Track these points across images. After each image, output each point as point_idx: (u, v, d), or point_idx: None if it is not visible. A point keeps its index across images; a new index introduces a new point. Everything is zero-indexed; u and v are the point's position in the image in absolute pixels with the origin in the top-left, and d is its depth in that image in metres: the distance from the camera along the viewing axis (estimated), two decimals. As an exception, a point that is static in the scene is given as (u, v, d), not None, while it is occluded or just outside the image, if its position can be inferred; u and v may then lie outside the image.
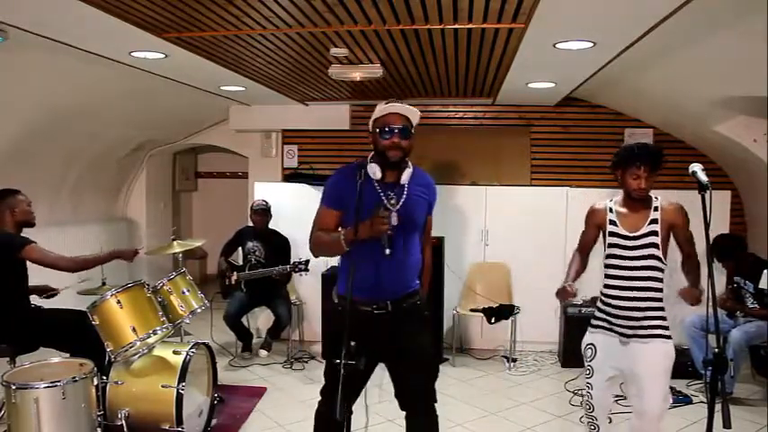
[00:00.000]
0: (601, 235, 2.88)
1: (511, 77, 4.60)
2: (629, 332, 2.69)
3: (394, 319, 2.47)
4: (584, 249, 2.97)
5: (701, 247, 2.69)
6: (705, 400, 2.32)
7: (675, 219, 2.71)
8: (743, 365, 4.41)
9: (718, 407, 2.13)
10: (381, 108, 2.42)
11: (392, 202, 2.42)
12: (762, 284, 4.30)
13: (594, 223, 2.88)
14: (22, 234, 3.59)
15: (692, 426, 3.80)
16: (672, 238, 2.76)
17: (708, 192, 2.31)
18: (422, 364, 2.55)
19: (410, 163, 2.50)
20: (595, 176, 5.75)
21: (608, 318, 2.76)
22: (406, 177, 2.44)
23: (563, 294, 2.89)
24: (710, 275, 2.22)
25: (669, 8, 2.77)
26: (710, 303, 2.19)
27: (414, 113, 2.44)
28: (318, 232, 2.50)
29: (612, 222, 2.78)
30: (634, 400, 2.76)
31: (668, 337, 2.69)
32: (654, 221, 2.69)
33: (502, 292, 5.42)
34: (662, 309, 2.71)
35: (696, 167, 2.44)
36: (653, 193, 2.75)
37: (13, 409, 2.77)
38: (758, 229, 5.42)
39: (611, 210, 2.80)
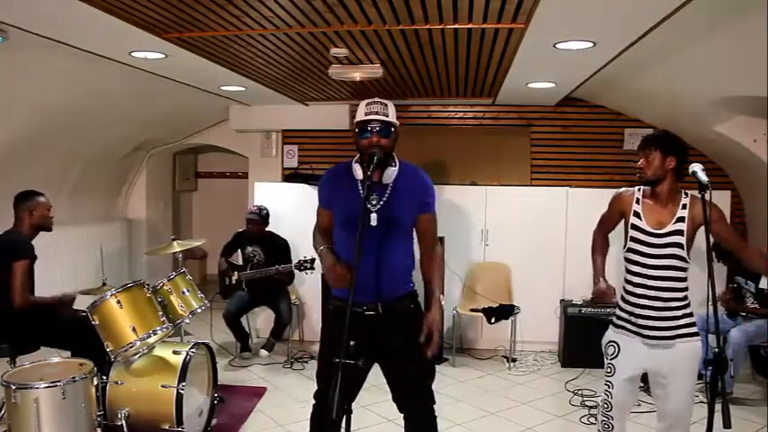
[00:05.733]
0: (622, 224, 2.74)
1: (511, 77, 4.60)
2: (654, 333, 2.57)
3: (385, 322, 2.45)
4: (604, 232, 2.87)
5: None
6: (705, 400, 2.31)
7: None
8: (743, 365, 4.41)
9: (718, 407, 2.13)
10: (361, 110, 2.43)
11: (373, 202, 2.41)
12: (762, 284, 4.31)
13: (618, 209, 2.73)
14: (35, 238, 3.63)
15: (692, 426, 3.79)
16: (697, 238, 2.59)
17: (708, 192, 2.31)
18: (415, 365, 2.49)
19: (397, 162, 2.47)
20: (595, 176, 5.76)
21: (631, 318, 2.63)
22: (388, 176, 2.41)
23: (602, 296, 2.79)
24: (710, 275, 2.22)
25: (669, 8, 2.77)
26: (710, 303, 2.19)
27: (393, 114, 2.45)
28: (316, 231, 2.64)
29: (637, 215, 2.63)
30: (659, 402, 2.66)
31: (695, 335, 2.57)
32: (680, 219, 2.55)
33: (502, 292, 5.42)
34: (686, 306, 2.58)
35: (696, 167, 2.43)
36: (684, 190, 2.61)
37: (13, 409, 2.77)
38: (758, 229, 5.42)
39: (637, 201, 2.65)
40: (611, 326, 2.77)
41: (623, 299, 2.69)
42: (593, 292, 2.82)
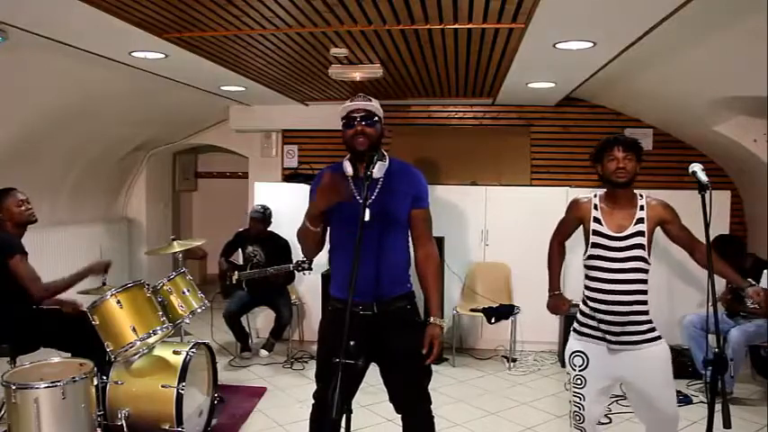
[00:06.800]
0: (581, 231, 2.73)
1: (511, 77, 4.60)
2: (620, 339, 2.54)
3: (381, 322, 2.45)
4: (561, 239, 2.87)
5: (701, 248, 2.64)
6: (705, 400, 2.32)
7: (663, 214, 2.57)
8: (743, 365, 4.41)
9: (718, 407, 2.13)
10: (345, 105, 2.44)
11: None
12: (762, 284, 4.30)
13: (576, 216, 2.73)
14: (23, 234, 3.59)
15: (692, 426, 3.80)
16: (658, 239, 2.62)
17: (708, 192, 2.30)
18: (411, 367, 2.48)
19: (386, 156, 2.47)
20: (595, 176, 5.72)
21: (594, 324, 2.59)
22: (379, 170, 2.38)
23: (556, 310, 2.83)
24: (710, 276, 2.22)
25: (669, 8, 2.77)
26: (711, 303, 2.19)
27: (377, 107, 2.45)
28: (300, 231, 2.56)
29: (597, 220, 2.62)
30: (643, 410, 2.62)
31: (660, 338, 2.56)
32: (640, 221, 2.56)
33: (502, 292, 5.42)
34: (647, 312, 2.57)
35: (696, 167, 2.42)
36: (638, 191, 2.64)
37: (13, 409, 2.77)
38: (758, 229, 5.42)
39: (595, 207, 2.66)
40: (573, 334, 2.70)
41: (587, 306, 2.64)
42: (547, 304, 2.84)
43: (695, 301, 4.21)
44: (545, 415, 4.09)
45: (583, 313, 2.66)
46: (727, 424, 2.07)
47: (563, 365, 5.10)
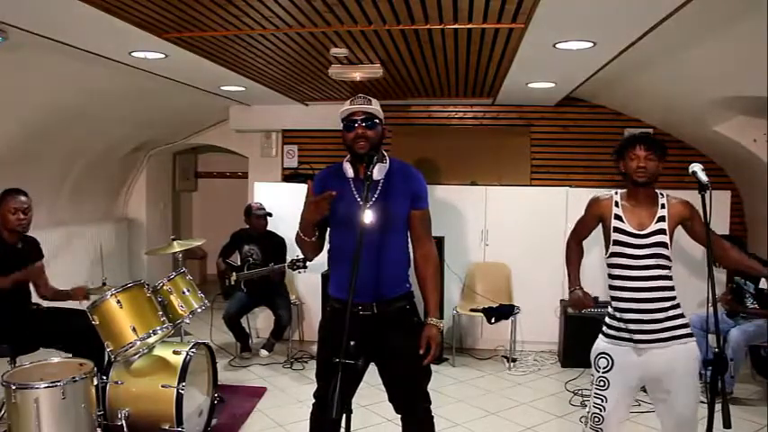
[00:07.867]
0: (600, 229, 2.69)
1: (511, 77, 4.60)
2: (648, 337, 2.51)
3: (380, 322, 2.45)
4: (579, 238, 2.83)
5: (701, 248, 2.63)
6: (705, 400, 2.31)
7: (683, 212, 2.55)
8: (743, 365, 4.41)
9: (718, 407, 2.13)
10: (345, 106, 2.44)
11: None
12: (762, 284, 4.31)
13: (596, 214, 2.69)
14: (16, 240, 3.58)
15: (692, 426, 3.81)
16: (677, 237, 2.59)
17: (708, 192, 2.30)
18: (410, 367, 2.48)
19: (386, 157, 2.47)
20: (595, 176, 5.76)
21: (622, 324, 2.57)
22: (379, 172, 2.39)
23: (580, 305, 2.77)
24: (711, 275, 2.21)
25: (669, 8, 2.77)
26: (710, 303, 2.19)
27: (378, 109, 2.44)
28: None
29: (618, 217, 2.59)
30: (662, 411, 2.58)
31: (690, 335, 2.52)
32: (662, 219, 2.54)
33: (502, 292, 5.42)
34: (677, 306, 2.54)
35: (696, 167, 2.42)
36: (658, 191, 2.60)
37: (13, 409, 2.77)
38: (758, 229, 5.42)
39: (616, 204, 2.62)
40: (601, 335, 2.67)
41: (613, 307, 2.62)
42: (570, 300, 2.81)
43: (695, 301, 4.20)
44: (545, 415, 4.09)
45: (610, 315, 2.64)
46: (727, 424, 2.07)
47: (563, 365, 5.12)
